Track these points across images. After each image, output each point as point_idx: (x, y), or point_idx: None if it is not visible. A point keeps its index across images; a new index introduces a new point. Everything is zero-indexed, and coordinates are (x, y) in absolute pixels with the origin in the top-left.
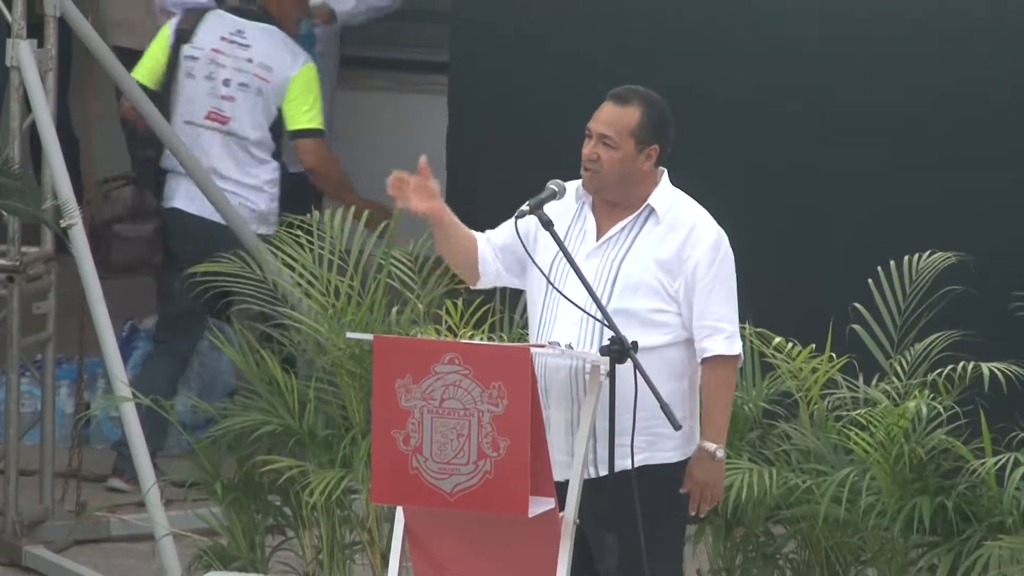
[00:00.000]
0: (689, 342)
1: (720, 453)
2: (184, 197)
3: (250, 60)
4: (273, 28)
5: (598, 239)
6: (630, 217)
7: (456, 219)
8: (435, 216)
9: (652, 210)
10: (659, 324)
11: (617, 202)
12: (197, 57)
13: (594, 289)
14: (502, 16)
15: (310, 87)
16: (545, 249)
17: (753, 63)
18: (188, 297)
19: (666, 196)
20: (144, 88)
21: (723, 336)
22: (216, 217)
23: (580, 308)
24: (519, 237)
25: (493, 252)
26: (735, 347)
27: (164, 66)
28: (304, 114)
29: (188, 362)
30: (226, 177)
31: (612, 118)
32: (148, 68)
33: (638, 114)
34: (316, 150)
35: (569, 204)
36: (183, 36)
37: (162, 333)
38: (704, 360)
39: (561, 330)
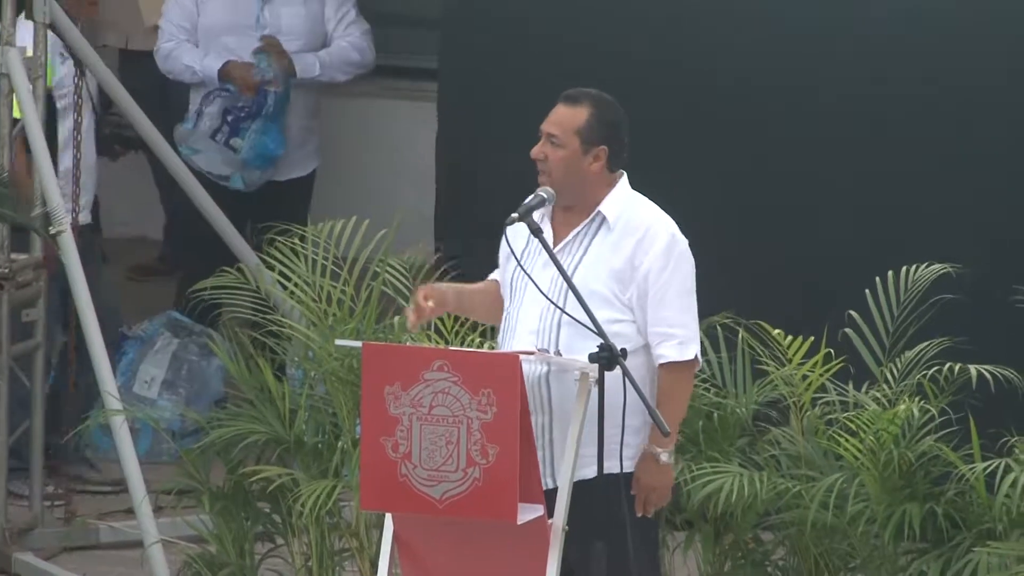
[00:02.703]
0: (647, 349)
1: (664, 457)
2: None
3: None
4: None
5: (554, 247)
6: (581, 225)
7: (464, 288)
8: (442, 308)
9: (603, 218)
10: (613, 335)
11: (571, 205)
12: None
13: (550, 299)
14: (492, 22)
15: None
16: (510, 260)
17: (749, 65)
18: None
19: (618, 202)
20: None
21: (675, 342)
22: None
23: (566, 312)
24: (508, 243)
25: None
26: (688, 352)
27: None
28: None
29: None
30: None
31: (560, 118)
32: None
33: (586, 114)
34: None
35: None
36: None
37: None
38: (660, 366)
39: (521, 339)
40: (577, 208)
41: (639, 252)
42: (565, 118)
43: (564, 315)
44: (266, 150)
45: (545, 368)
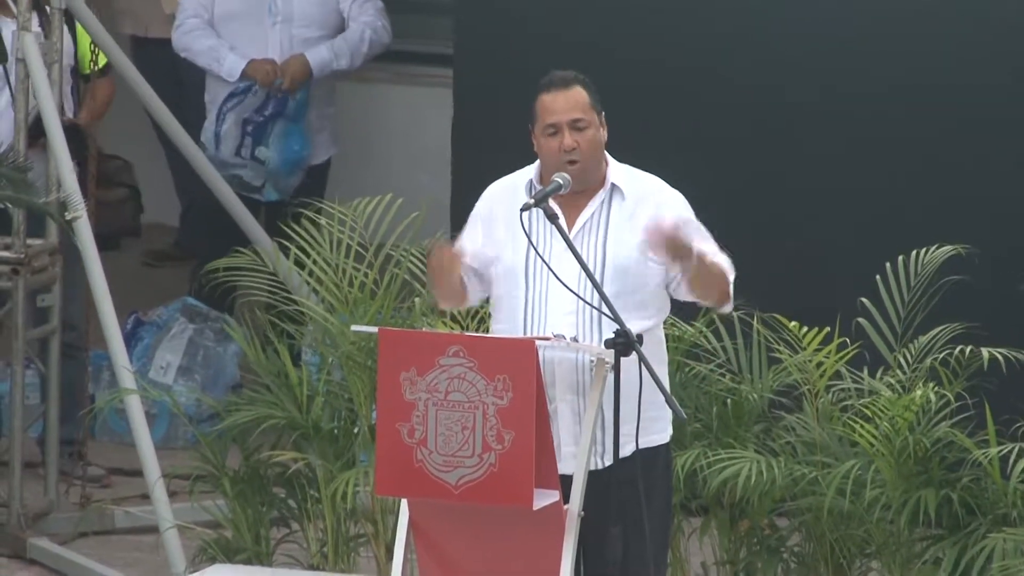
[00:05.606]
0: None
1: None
2: None
3: None
4: None
5: (570, 230)
6: (596, 201)
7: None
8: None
9: (616, 188)
10: (649, 303)
11: (586, 186)
12: None
13: (583, 280)
14: (506, 7)
15: None
16: (518, 245)
17: (761, 53)
18: None
19: (622, 171)
20: None
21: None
22: None
23: (585, 300)
24: (524, 230)
25: (475, 278)
26: (731, 273)
27: None
28: None
29: None
30: None
31: (571, 102)
32: None
33: (583, 90)
34: None
35: (519, 203)
36: None
37: None
38: None
39: (556, 322)
40: (586, 189)
41: (659, 215)
42: (576, 101)
43: (603, 295)
44: (292, 153)
45: (583, 353)
